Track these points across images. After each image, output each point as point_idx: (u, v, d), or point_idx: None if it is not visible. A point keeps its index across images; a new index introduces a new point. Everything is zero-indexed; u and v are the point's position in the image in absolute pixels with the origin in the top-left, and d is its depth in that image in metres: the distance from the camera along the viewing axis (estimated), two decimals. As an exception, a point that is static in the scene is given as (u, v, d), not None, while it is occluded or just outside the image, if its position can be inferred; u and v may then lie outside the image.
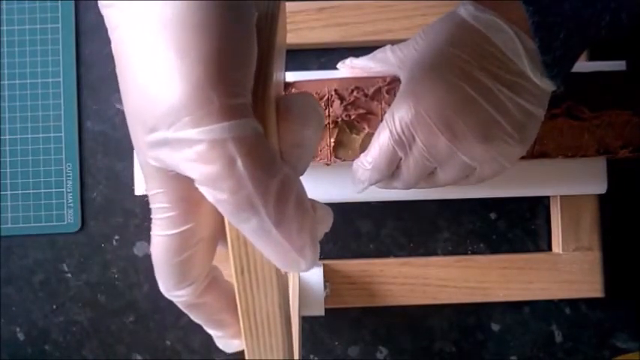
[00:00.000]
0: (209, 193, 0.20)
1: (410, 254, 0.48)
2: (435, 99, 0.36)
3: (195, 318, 0.28)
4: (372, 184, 0.39)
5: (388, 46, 0.40)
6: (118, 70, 0.22)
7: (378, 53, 0.41)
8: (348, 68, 0.43)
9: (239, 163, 0.20)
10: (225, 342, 0.29)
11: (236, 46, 0.21)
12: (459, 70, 0.35)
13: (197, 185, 0.21)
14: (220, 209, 0.21)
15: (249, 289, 0.24)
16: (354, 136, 0.41)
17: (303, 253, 0.21)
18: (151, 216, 0.25)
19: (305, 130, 0.23)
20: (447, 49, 0.36)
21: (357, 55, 0.42)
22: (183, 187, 0.23)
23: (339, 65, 0.43)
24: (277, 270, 0.23)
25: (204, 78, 0.20)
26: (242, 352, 0.48)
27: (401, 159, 0.37)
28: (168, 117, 0.20)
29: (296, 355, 0.31)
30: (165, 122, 0.20)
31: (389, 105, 0.40)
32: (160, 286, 0.26)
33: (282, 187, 0.21)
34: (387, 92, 0.41)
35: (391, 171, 0.38)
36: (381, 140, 0.37)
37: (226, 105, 0.20)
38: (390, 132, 0.37)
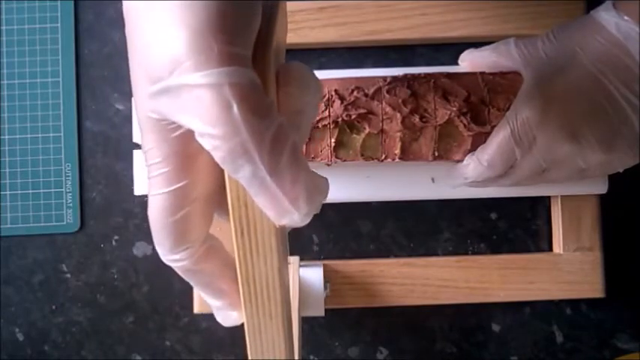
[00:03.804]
0: (206, 141, 0.21)
1: (410, 254, 0.48)
2: (563, 105, 0.36)
3: (194, 285, 0.28)
4: (478, 181, 0.40)
5: (512, 40, 0.40)
6: (127, 32, 0.24)
7: (501, 45, 0.41)
8: (469, 63, 0.42)
9: (235, 108, 0.20)
10: (225, 314, 0.29)
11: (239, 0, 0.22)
12: (591, 79, 0.35)
13: (196, 135, 0.21)
14: (216, 157, 0.21)
15: (249, 252, 0.24)
16: (354, 136, 0.41)
17: (297, 205, 0.22)
18: (147, 176, 0.25)
19: (304, 95, 0.24)
20: (580, 56, 0.36)
21: (357, 55, 0.42)
22: (179, 142, 0.24)
23: (460, 61, 0.43)
24: (277, 234, 0.23)
25: (206, 26, 0.21)
26: (243, 353, 0.48)
27: (516, 159, 0.37)
28: (171, 64, 0.21)
29: (296, 356, 0.31)
30: (168, 69, 0.21)
31: (389, 105, 0.40)
32: (158, 250, 0.26)
33: (277, 137, 0.21)
34: (388, 92, 0.41)
35: (506, 170, 0.38)
36: (501, 138, 0.37)
37: (226, 52, 0.21)
38: (512, 131, 0.37)
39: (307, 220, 0.23)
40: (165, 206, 0.25)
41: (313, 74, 0.25)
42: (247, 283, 0.25)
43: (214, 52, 0.21)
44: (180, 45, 0.21)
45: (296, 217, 0.22)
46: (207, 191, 0.26)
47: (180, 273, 0.27)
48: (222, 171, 0.23)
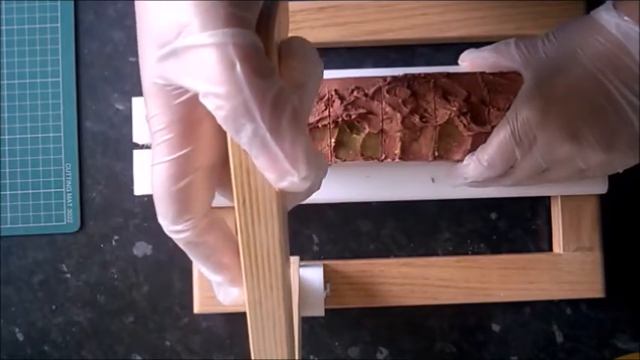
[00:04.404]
0: (209, 101, 0.22)
1: (410, 254, 0.48)
2: (563, 105, 0.36)
3: (196, 259, 0.28)
4: (478, 181, 0.40)
5: (512, 41, 0.40)
6: (137, 3, 0.25)
7: (501, 45, 0.41)
8: (469, 63, 0.42)
9: (238, 67, 0.21)
10: (225, 290, 0.29)
11: None
12: (592, 79, 0.36)
13: (200, 97, 0.22)
14: (219, 119, 0.22)
15: (250, 221, 0.24)
16: (354, 135, 0.41)
17: (296, 165, 0.22)
18: (151, 145, 0.26)
19: (306, 67, 0.25)
20: (580, 56, 0.36)
21: (357, 55, 0.42)
22: (183, 108, 0.25)
23: (460, 62, 0.43)
24: (278, 202, 0.24)
25: None
26: (243, 353, 0.48)
27: (516, 159, 0.38)
28: (177, 28, 0.22)
29: (296, 356, 0.31)
30: (174, 33, 0.22)
31: (389, 105, 0.40)
32: (161, 222, 0.27)
33: (278, 98, 0.22)
34: (388, 92, 0.41)
35: (506, 170, 0.39)
36: (501, 138, 0.38)
37: (231, 14, 0.22)
38: (512, 131, 0.37)
39: (305, 186, 0.23)
40: (169, 175, 0.26)
41: (314, 49, 0.25)
42: (248, 253, 0.25)
43: (220, 14, 0.22)
44: (187, 9, 0.22)
45: (295, 179, 0.23)
46: (209, 161, 0.26)
47: (182, 246, 0.28)
48: (224, 140, 0.23)
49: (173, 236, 0.27)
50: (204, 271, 0.29)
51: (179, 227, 0.27)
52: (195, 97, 0.23)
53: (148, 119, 0.26)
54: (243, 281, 0.26)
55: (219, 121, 0.22)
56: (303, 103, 0.25)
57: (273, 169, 0.22)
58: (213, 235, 0.27)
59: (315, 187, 0.26)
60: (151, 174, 0.26)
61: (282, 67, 0.24)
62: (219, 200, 0.29)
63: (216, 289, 0.29)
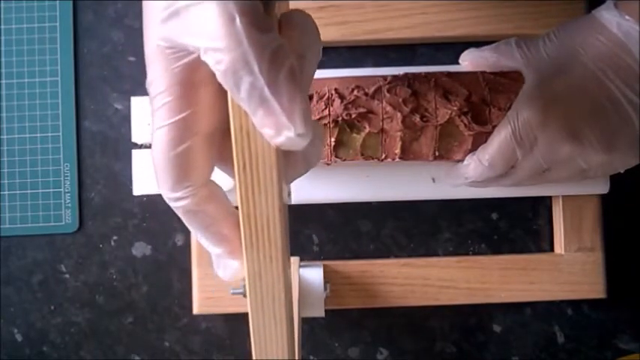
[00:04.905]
0: (210, 57, 0.23)
1: (410, 255, 0.48)
2: (564, 105, 0.36)
3: (195, 229, 0.28)
4: (479, 181, 0.40)
5: (513, 40, 0.40)
6: None
7: (502, 45, 0.41)
8: (469, 62, 0.42)
9: (237, 21, 0.22)
10: (225, 263, 0.29)
11: None
12: (593, 79, 0.35)
13: (201, 55, 0.23)
14: (219, 74, 0.23)
15: (250, 188, 0.24)
16: (354, 135, 0.41)
17: (293, 119, 0.23)
18: (151, 111, 0.26)
19: (306, 38, 0.25)
20: (581, 55, 0.36)
21: (357, 54, 0.42)
22: (183, 71, 0.26)
23: (460, 61, 0.43)
24: (278, 170, 0.24)
25: None
26: (243, 353, 0.48)
27: (517, 159, 0.37)
28: None
29: (296, 356, 0.31)
30: None
31: (390, 104, 0.40)
32: (161, 190, 0.27)
33: (277, 53, 0.22)
34: (388, 91, 0.40)
35: (506, 170, 0.38)
36: (502, 138, 0.38)
37: None
38: (513, 131, 0.37)
39: (302, 144, 0.23)
40: (168, 139, 0.26)
41: (315, 23, 0.26)
42: (248, 221, 0.25)
43: None
44: None
45: (291, 133, 0.23)
46: (208, 129, 0.27)
47: (182, 215, 0.28)
48: (224, 108, 0.24)
49: (172, 204, 0.27)
50: (203, 242, 0.29)
51: (178, 194, 0.27)
52: (195, 61, 0.24)
53: (149, 86, 0.27)
54: (243, 252, 0.26)
55: (219, 77, 0.23)
56: (304, 74, 0.25)
57: (271, 124, 0.23)
58: (212, 204, 0.28)
59: (313, 158, 0.27)
60: (151, 140, 0.27)
61: (282, 37, 0.25)
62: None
63: (215, 264, 0.29)
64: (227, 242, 0.28)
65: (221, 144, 0.28)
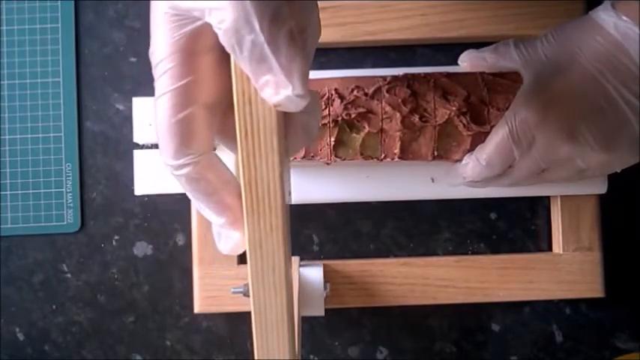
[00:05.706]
0: (213, 17, 0.23)
1: (410, 254, 0.48)
2: (562, 105, 0.36)
3: (197, 198, 0.29)
4: (477, 181, 0.40)
5: (511, 41, 0.41)
6: None
7: (500, 46, 0.41)
8: (468, 63, 0.43)
9: None
10: (226, 234, 0.29)
11: None
12: (590, 79, 0.36)
13: (205, 17, 0.24)
14: (221, 34, 0.23)
15: (252, 154, 0.25)
16: (354, 135, 0.41)
17: (291, 79, 0.23)
18: (154, 80, 0.27)
19: (304, 10, 0.25)
20: (579, 56, 0.36)
21: (357, 55, 0.42)
22: (186, 38, 0.26)
23: (459, 62, 0.43)
24: (279, 137, 0.25)
25: None
26: (243, 352, 0.48)
27: (515, 159, 0.38)
28: None
29: (296, 356, 0.31)
30: None
31: (389, 104, 0.40)
32: (163, 157, 0.28)
33: (277, 13, 0.23)
34: (388, 91, 0.41)
35: (504, 169, 0.39)
36: (499, 138, 0.38)
37: None
38: (510, 131, 0.37)
39: (300, 106, 0.24)
40: (170, 105, 0.27)
41: (316, 3, 0.27)
42: (249, 189, 0.26)
43: None
44: None
45: (289, 92, 0.23)
46: (209, 98, 0.27)
47: (184, 184, 0.28)
48: (225, 78, 0.25)
49: (175, 172, 0.28)
50: (206, 213, 0.29)
51: (180, 162, 0.27)
52: (197, 29, 0.25)
53: (151, 54, 0.27)
54: (244, 221, 0.26)
55: (222, 37, 0.23)
56: (307, 45, 0.25)
57: (270, 83, 0.23)
58: (214, 172, 0.28)
59: (313, 129, 0.28)
60: (153, 110, 0.27)
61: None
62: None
63: (216, 237, 0.30)
64: (230, 211, 0.28)
65: (222, 120, 0.28)
